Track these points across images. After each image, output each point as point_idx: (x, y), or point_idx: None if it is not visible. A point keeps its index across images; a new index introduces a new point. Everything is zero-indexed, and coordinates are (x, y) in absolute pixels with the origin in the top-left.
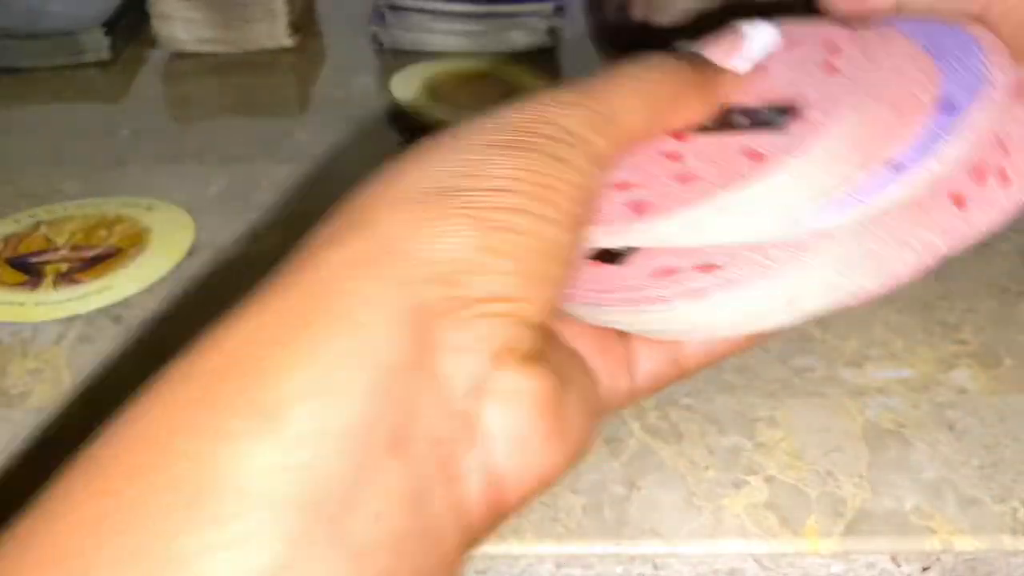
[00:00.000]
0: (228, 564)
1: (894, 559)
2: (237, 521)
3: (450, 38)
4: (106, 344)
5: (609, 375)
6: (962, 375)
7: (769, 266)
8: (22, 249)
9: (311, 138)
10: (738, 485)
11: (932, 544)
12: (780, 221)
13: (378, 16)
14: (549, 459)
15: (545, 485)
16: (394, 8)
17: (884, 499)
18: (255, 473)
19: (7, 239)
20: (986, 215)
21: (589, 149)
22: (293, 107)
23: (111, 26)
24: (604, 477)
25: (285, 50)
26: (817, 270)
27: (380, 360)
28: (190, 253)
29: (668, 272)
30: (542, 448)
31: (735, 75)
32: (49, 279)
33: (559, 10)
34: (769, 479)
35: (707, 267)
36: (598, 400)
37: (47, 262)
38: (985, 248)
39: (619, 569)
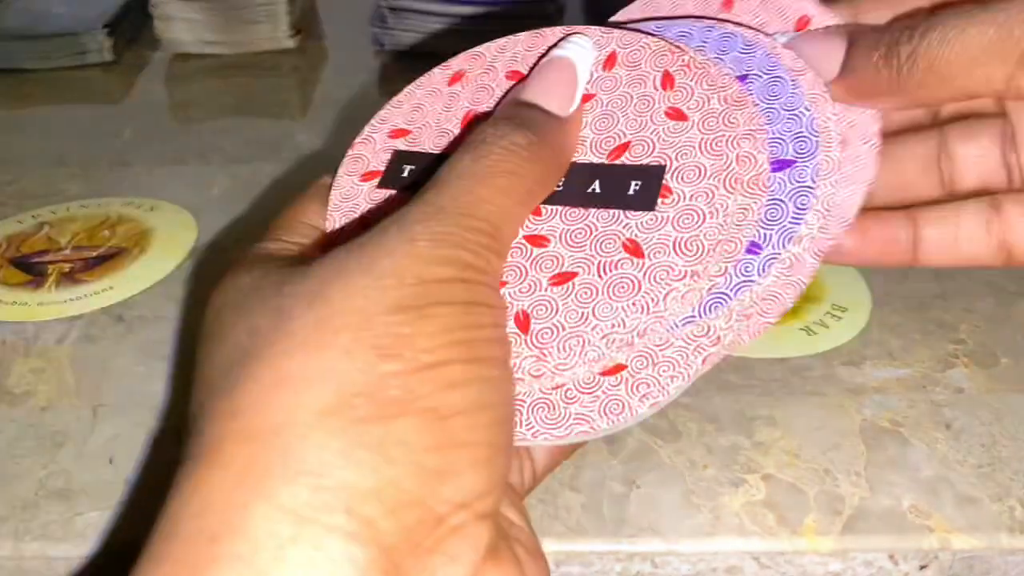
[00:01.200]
0: None
1: (892, 557)
2: None
3: (451, 40)
4: (108, 344)
5: (516, 478)
6: (959, 374)
7: (672, 364)
8: (25, 249)
9: (312, 139)
10: (736, 484)
11: (930, 542)
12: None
13: (379, 17)
14: None
15: None
16: (395, 10)
17: (882, 497)
18: None
19: (10, 239)
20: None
21: (494, 277)
22: (294, 108)
23: (113, 28)
24: (603, 475)
25: (286, 51)
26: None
27: None
28: (192, 253)
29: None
30: None
31: (576, 122)
32: (52, 279)
33: (558, 12)
34: (767, 478)
35: (613, 370)
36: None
37: (50, 262)
38: None
39: (618, 567)
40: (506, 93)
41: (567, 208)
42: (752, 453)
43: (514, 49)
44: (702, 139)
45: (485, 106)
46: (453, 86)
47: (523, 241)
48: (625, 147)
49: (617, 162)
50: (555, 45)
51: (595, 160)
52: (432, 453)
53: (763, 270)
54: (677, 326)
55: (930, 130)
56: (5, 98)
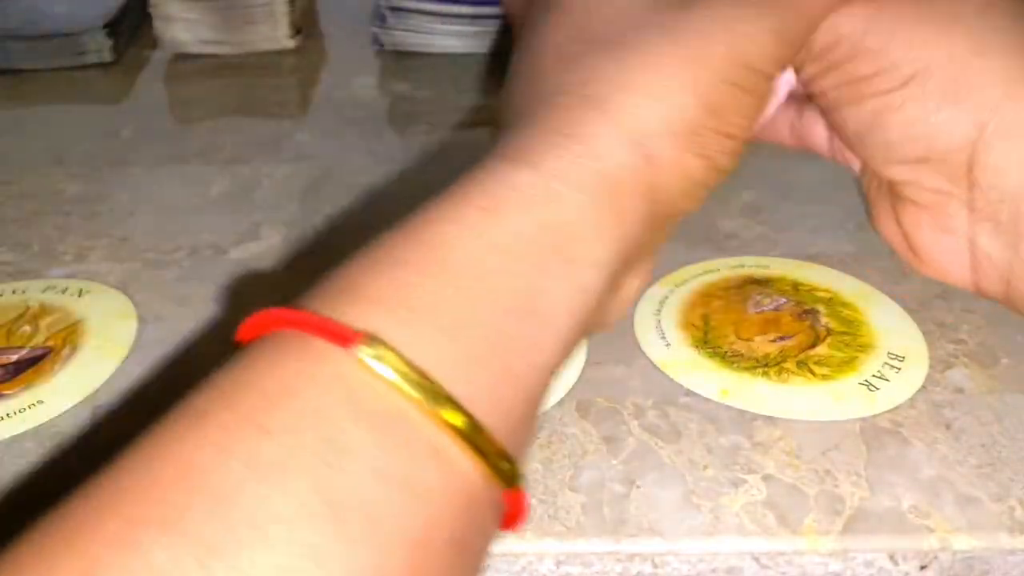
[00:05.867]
0: None
1: (892, 557)
2: None
3: (451, 39)
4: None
5: None
6: (959, 374)
7: None
8: None
9: (312, 139)
10: (736, 484)
11: (930, 543)
12: None
13: (379, 17)
14: None
15: None
16: (395, 9)
17: (882, 498)
18: None
19: None
20: None
21: None
22: (294, 108)
23: (113, 27)
24: (603, 475)
25: (286, 51)
26: None
27: None
28: (135, 348)
29: None
30: None
31: None
32: None
33: None
34: (767, 478)
35: None
36: None
37: None
38: None
39: (618, 567)
40: None
41: None
42: (752, 453)
43: None
44: None
45: None
46: None
47: None
48: None
49: None
50: None
51: None
52: None
53: None
54: None
55: None
56: (4, 98)
